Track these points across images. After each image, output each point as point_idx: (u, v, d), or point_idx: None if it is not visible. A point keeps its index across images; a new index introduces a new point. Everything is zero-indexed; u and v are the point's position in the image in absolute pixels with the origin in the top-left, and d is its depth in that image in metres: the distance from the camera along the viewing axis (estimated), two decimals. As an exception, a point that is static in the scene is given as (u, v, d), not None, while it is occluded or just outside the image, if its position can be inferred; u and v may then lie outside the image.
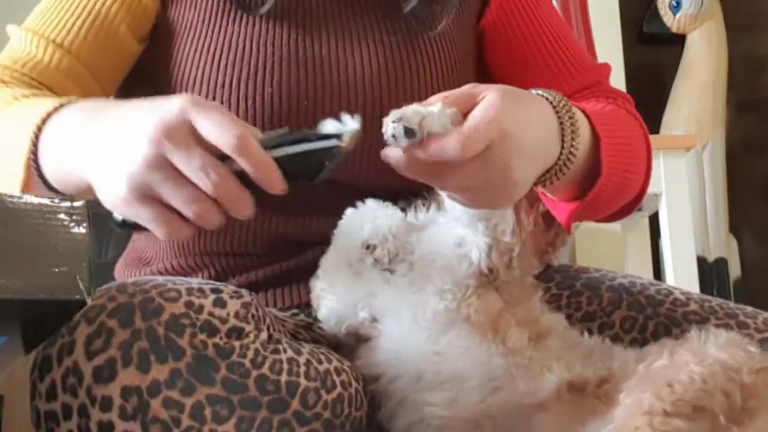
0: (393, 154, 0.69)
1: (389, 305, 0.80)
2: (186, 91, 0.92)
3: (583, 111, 0.83)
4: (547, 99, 0.78)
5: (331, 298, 0.83)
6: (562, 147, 0.77)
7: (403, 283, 0.81)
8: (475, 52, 1.03)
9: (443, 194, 0.80)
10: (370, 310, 0.81)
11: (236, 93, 0.90)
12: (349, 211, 0.87)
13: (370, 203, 0.87)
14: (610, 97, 0.99)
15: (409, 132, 0.67)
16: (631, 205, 0.97)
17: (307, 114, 0.90)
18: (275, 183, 0.66)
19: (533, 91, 0.79)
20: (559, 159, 0.78)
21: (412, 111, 0.68)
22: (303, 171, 0.69)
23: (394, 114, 0.68)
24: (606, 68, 1.05)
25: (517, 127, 0.70)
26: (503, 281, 0.80)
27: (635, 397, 0.68)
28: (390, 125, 0.68)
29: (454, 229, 0.81)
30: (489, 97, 0.70)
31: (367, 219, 0.85)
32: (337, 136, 0.69)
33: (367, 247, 0.82)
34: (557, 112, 0.78)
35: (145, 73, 0.97)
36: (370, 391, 0.78)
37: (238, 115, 0.89)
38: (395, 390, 0.78)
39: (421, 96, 0.93)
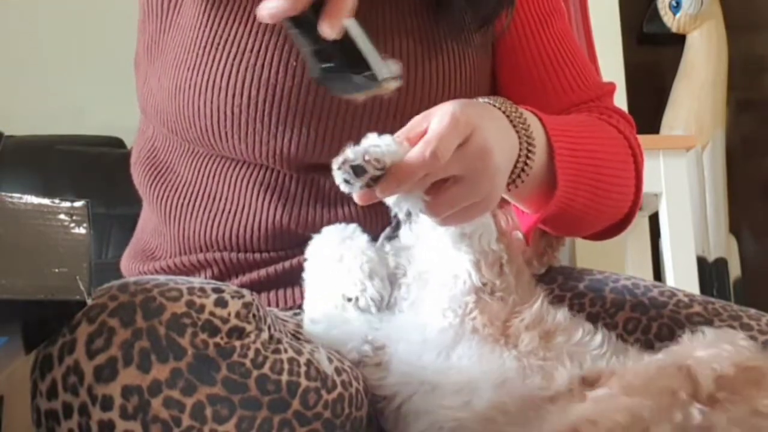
0: (357, 196, 0.69)
1: (395, 330, 0.80)
2: (197, 75, 0.92)
3: (537, 117, 0.83)
4: (489, 103, 0.79)
5: (327, 343, 0.82)
6: (520, 140, 0.78)
7: (404, 306, 0.81)
8: (490, 57, 1.03)
9: (424, 221, 0.80)
10: (372, 344, 0.80)
11: (251, 79, 0.90)
12: (309, 251, 0.87)
13: (330, 232, 0.86)
14: (605, 114, 0.98)
15: (358, 169, 0.67)
16: (621, 225, 0.97)
17: (324, 100, 0.91)
18: (339, 21, 0.65)
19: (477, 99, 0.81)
20: (520, 153, 0.78)
21: (349, 150, 0.68)
22: (337, 55, 0.68)
23: (335, 162, 0.68)
24: (609, 86, 1.05)
25: (479, 119, 0.72)
26: (501, 289, 0.80)
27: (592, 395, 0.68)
28: (337, 173, 0.68)
29: (441, 249, 0.81)
30: (440, 110, 0.71)
31: (334, 262, 0.84)
32: (391, 79, 0.68)
33: (348, 300, 0.82)
34: (506, 114, 0.79)
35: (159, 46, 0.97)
36: (379, 407, 0.78)
37: (250, 97, 0.90)
38: (410, 407, 0.77)
39: (437, 96, 0.94)
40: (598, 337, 0.79)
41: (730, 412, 0.63)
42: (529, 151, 0.79)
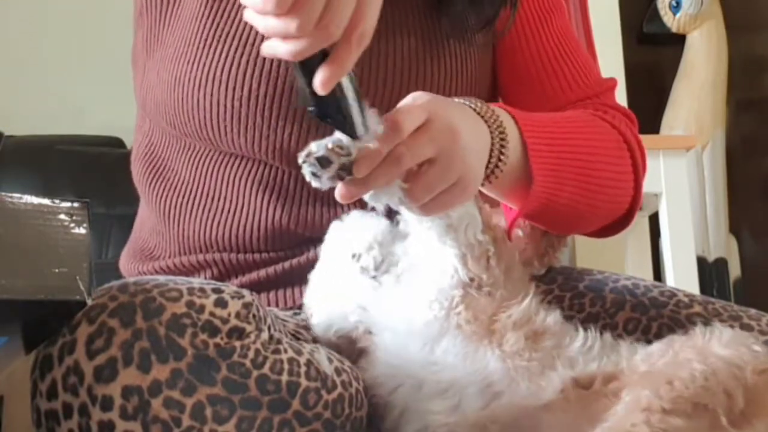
0: (338, 192, 0.69)
1: (383, 318, 0.81)
2: (197, 68, 0.91)
3: (510, 114, 0.83)
4: (460, 102, 0.80)
5: (322, 308, 0.84)
6: (492, 133, 0.79)
7: (393, 294, 0.82)
8: (491, 55, 1.03)
9: (409, 215, 0.80)
10: (362, 320, 0.82)
11: (252, 72, 0.90)
12: (335, 224, 0.88)
13: (355, 214, 0.87)
14: (600, 110, 0.98)
15: (323, 160, 0.67)
16: (622, 222, 0.97)
17: None
18: (334, 82, 0.65)
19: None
20: (493, 146, 0.78)
21: (313, 144, 0.68)
22: (326, 105, 0.68)
23: (300, 157, 0.68)
24: (609, 82, 1.04)
25: (441, 106, 0.73)
26: (489, 284, 0.80)
27: (635, 394, 0.67)
28: (304, 167, 0.68)
29: (428, 243, 0.81)
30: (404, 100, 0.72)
31: (352, 229, 0.85)
32: (366, 133, 0.68)
33: (353, 256, 0.83)
34: (476, 111, 0.79)
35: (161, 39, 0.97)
36: (373, 403, 0.79)
37: (251, 91, 0.90)
38: (396, 400, 0.78)
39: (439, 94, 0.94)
40: (588, 342, 0.78)
41: (755, 427, 0.64)
42: (502, 144, 0.79)
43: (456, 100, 0.80)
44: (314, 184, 0.69)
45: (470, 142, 0.73)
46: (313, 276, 0.88)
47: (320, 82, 0.64)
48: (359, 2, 0.64)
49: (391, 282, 0.83)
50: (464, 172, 0.73)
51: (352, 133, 0.68)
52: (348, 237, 0.85)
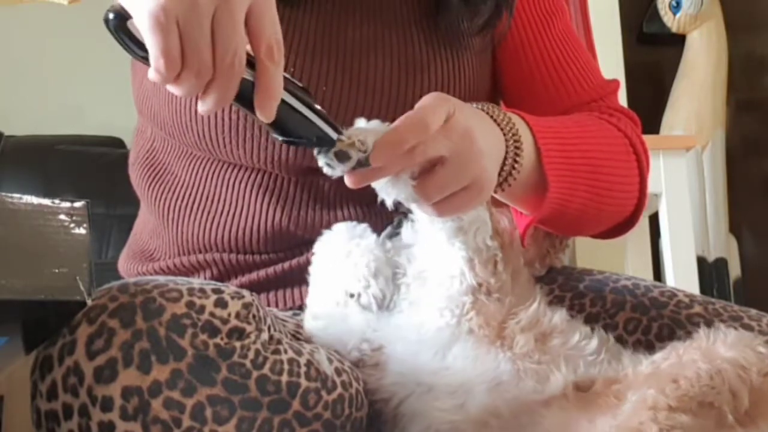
0: (348, 178, 0.69)
1: (393, 330, 0.80)
2: None
3: (524, 120, 0.83)
4: (475, 107, 0.79)
5: (325, 342, 0.82)
6: (506, 140, 0.78)
7: (402, 306, 0.81)
8: (491, 59, 1.03)
9: (421, 215, 0.79)
10: (370, 344, 0.81)
11: None
12: (318, 246, 0.87)
13: (340, 229, 0.86)
14: (605, 113, 0.98)
15: (341, 156, 0.67)
16: (627, 224, 0.97)
17: (324, 99, 0.90)
18: (271, 107, 0.64)
19: None
20: (507, 153, 0.78)
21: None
22: (289, 127, 0.67)
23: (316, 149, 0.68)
24: (613, 85, 1.04)
25: (459, 108, 0.72)
26: (497, 289, 0.79)
27: (641, 393, 0.68)
28: (319, 158, 0.68)
29: (436, 244, 0.81)
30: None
31: (341, 258, 0.84)
32: (339, 134, 0.68)
33: (351, 296, 0.82)
34: (491, 117, 0.79)
35: None
36: (383, 414, 0.78)
37: None
38: (406, 408, 0.77)
39: None
40: (594, 343, 0.79)
41: (760, 427, 0.65)
42: (516, 151, 0.78)
43: (472, 105, 0.79)
44: (327, 171, 0.68)
45: (486, 146, 0.73)
46: (310, 302, 0.86)
47: (259, 114, 0.64)
48: (253, 20, 0.62)
49: (401, 294, 0.82)
50: (479, 175, 0.72)
51: (328, 142, 0.67)
52: (338, 271, 0.83)
